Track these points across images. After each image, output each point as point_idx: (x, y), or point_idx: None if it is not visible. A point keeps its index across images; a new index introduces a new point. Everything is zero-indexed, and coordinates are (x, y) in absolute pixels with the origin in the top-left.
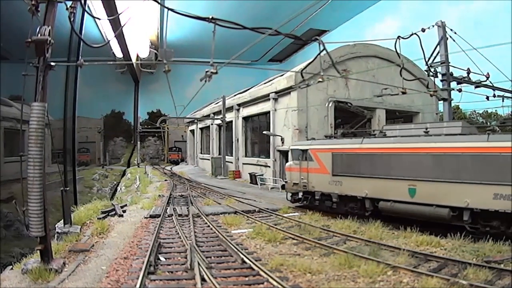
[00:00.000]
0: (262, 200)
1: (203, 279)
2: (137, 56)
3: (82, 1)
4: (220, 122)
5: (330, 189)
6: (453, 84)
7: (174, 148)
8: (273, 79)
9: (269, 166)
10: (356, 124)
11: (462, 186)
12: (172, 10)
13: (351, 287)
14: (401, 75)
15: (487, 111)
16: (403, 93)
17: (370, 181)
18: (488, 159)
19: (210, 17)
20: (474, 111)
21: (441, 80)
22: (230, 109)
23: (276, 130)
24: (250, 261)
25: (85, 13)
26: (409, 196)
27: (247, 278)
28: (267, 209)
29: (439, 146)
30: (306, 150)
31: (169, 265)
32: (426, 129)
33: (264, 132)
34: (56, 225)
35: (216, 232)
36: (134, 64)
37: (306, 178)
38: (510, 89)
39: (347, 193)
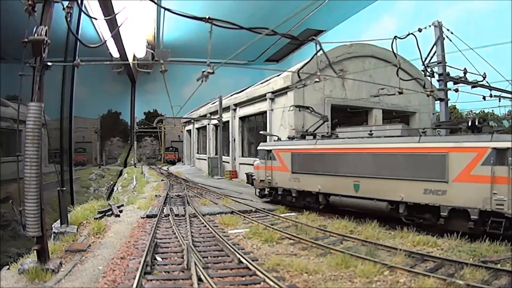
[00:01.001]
0: (259, 200)
1: (199, 279)
2: (134, 56)
3: (79, 1)
4: (217, 122)
5: (290, 185)
6: (450, 84)
7: (171, 148)
8: (270, 79)
9: None
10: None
11: (397, 182)
12: (168, 10)
13: (348, 287)
14: (397, 75)
15: (483, 111)
16: (400, 93)
17: (323, 177)
18: (418, 158)
19: (207, 17)
20: (471, 111)
21: (438, 80)
22: (226, 109)
23: (273, 130)
24: (247, 261)
25: (82, 13)
26: (354, 191)
27: (243, 278)
28: (264, 209)
29: (378, 147)
30: (271, 150)
31: (166, 265)
32: (371, 131)
33: (261, 132)
34: (52, 225)
35: (213, 232)
36: (131, 64)
37: (271, 175)
38: (507, 89)
39: (304, 189)
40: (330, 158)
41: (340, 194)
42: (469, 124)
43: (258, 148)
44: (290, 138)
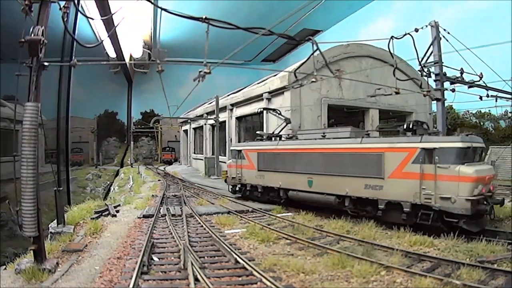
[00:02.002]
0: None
1: (196, 279)
2: (131, 56)
3: (75, 1)
4: (214, 122)
5: (256, 181)
6: (447, 84)
7: (168, 148)
8: (267, 79)
9: None
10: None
11: (343, 178)
12: (165, 10)
13: (345, 287)
14: (394, 75)
15: (480, 111)
16: (397, 93)
17: (283, 175)
18: (360, 157)
19: (204, 17)
20: (468, 111)
21: (435, 80)
22: (223, 109)
23: (269, 130)
24: (244, 261)
25: (79, 13)
26: (308, 187)
27: (240, 278)
28: (261, 209)
29: (328, 147)
30: (240, 150)
31: (163, 265)
32: (323, 133)
33: (258, 132)
34: (49, 225)
35: (210, 232)
36: (128, 64)
37: (241, 173)
38: (503, 89)
39: (268, 185)
40: (289, 157)
41: (297, 189)
42: (405, 127)
43: (230, 148)
44: (258, 139)
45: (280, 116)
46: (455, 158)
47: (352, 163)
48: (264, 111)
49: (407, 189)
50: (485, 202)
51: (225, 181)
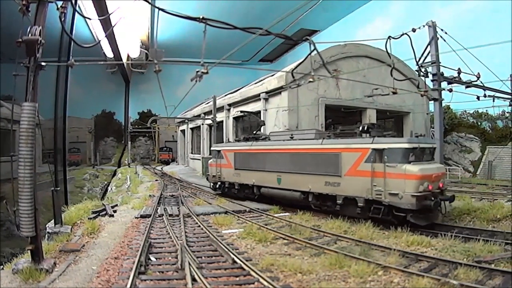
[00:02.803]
0: (253, 200)
1: (193, 279)
2: (128, 56)
3: (73, 1)
4: (211, 122)
5: (234, 179)
6: (444, 84)
7: (165, 148)
8: (264, 79)
9: None
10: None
11: (307, 176)
12: (162, 10)
13: (342, 287)
14: (391, 75)
15: (477, 111)
16: (394, 93)
17: (256, 173)
18: (320, 156)
19: (201, 17)
20: (465, 111)
21: (432, 80)
22: (220, 109)
23: (267, 130)
24: (241, 261)
25: (76, 13)
26: (277, 184)
27: (237, 278)
28: (258, 209)
29: (294, 148)
30: (220, 150)
31: (160, 265)
32: (291, 135)
33: (255, 132)
34: (46, 225)
35: (207, 232)
36: (125, 64)
37: (220, 171)
38: (500, 89)
39: (243, 182)
40: (261, 157)
41: (268, 186)
42: (360, 129)
43: (211, 149)
44: (237, 140)
45: (257, 120)
46: (402, 157)
47: (314, 162)
48: (262, 111)
49: (361, 186)
50: (432, 198)
51: (207, 179)
